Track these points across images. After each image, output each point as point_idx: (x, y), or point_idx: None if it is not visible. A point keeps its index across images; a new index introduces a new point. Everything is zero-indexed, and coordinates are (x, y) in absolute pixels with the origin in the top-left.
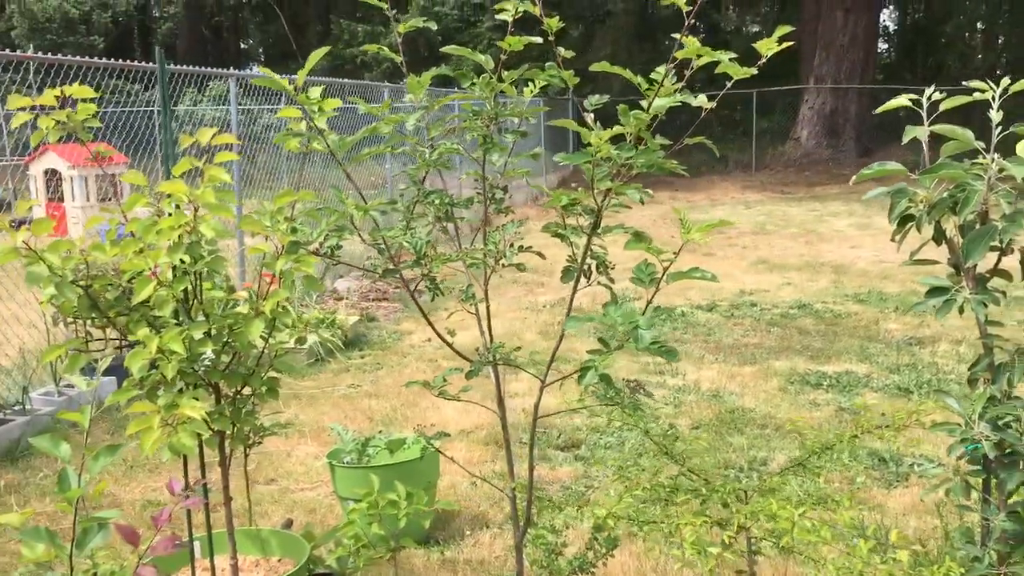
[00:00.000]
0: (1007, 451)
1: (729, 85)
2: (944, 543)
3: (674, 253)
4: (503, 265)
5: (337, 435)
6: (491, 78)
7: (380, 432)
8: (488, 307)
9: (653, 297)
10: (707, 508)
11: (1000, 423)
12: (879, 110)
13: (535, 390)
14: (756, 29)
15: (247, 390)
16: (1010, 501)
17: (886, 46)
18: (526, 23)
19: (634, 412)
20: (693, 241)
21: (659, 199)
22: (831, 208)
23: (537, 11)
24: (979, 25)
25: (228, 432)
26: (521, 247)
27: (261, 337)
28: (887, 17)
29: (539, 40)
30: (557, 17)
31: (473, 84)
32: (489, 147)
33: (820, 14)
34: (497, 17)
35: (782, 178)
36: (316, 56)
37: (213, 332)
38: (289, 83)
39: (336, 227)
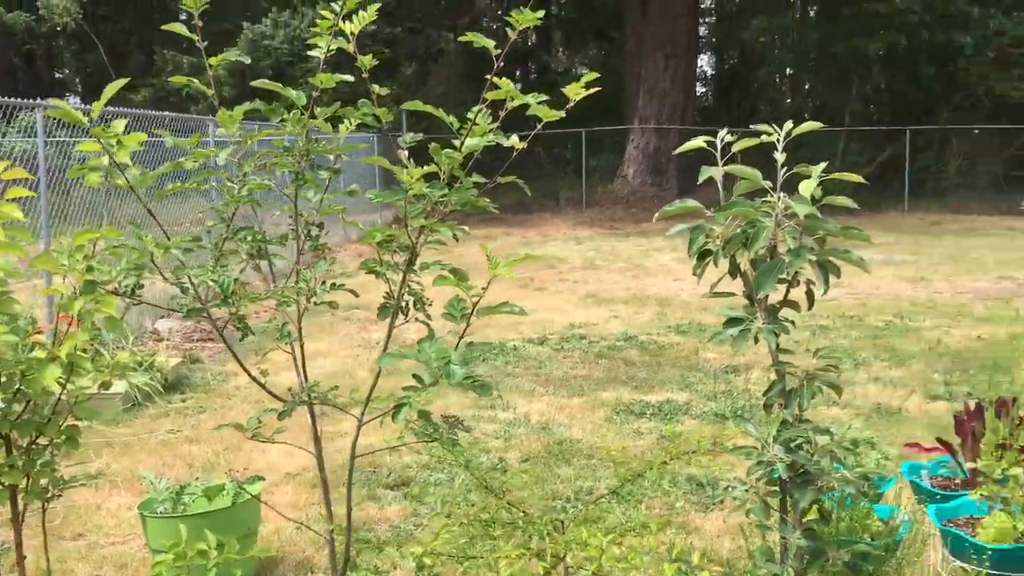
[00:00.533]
0: (799, 471)
1: (539, 127)
2: (748, 562)
3: (483, 288)
4: (314, 303)
5: (150, 484)
6: (302, 115)
7: (198, 479)
8: (302, 346)
9: (464, 332)
10: (530, 541)
11: (792, 445)
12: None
13: (362, 429)
14: (584, 71)
15: (43, 440)
16: (804, 519)
17: (705, 90)
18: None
19: (452, 448)
20: (501, 277)
21: (493, 235)
22: (656, 243)
23: (351, 48)
24: (788, 71)
25: (21, 486)
26: (334, 284)
27: (58, 383)
28: (705, 63)
29: (350, 78)
30: (371, 55)
31: (284, 120)
32: (301, 183)
33: (643, 58)
34: (309, 54)
35: (611, 214)
36: (112, 88)
37: (3, 379)
38: (85, 115)
39: (135, 265)
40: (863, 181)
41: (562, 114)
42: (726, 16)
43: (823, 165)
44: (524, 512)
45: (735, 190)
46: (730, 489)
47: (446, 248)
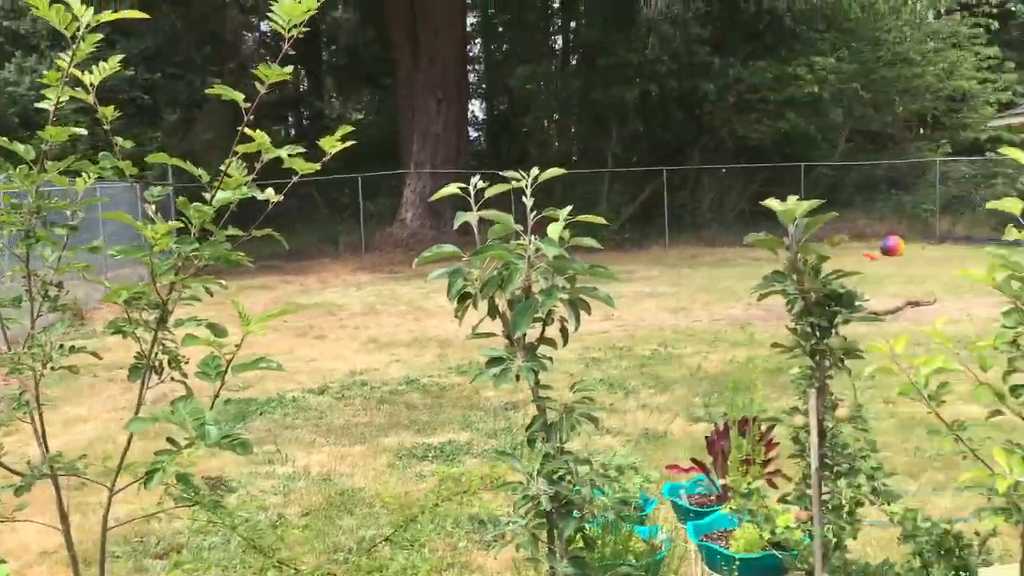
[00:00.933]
0: (563, 502)
1: (295, 179)
2: None
3: (236, 346)
4: (52, 369)
5: None
6: (31, 169)
7: None
8: (41, 415)
9: (220, 390)
10: None
11: (555, 477)
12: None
13: (118, 498)
14: (360, 116)
15: None
16: (571, 548)
17: (478, 134)
18: (139, 111)
19: (215, 510)
20: (253, 333)
21: (271, 284)
22: (436, 285)
23: (90, 100)
24: (555, 116)
25: None
26: (72, 347)
27: None
28: (477, 108)
29: (83, 131)
30: (114, 107)
31: (9, 176)
32: (33, 242)
33: (415, 104)
34: (38, 106)
35: (391, 258)
36: None
37: None
38: None
39: None
40: (605, 222)
41: (318, 166)
42: (493, 64)
43: (568, 208)
44: (295, 569)
45: (489, 234)
46: (509, 525)
47: (217, 301)
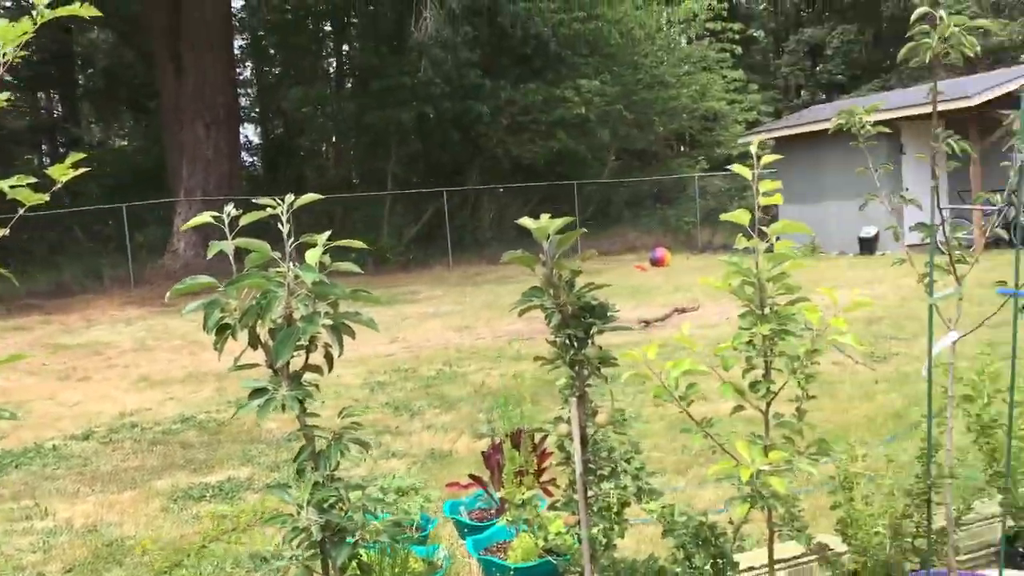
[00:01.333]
0: (335, 530)
1: (22, 211)
2: None
3: None
4: None
5: None
6: None
7: None
8: None
9: None
10: None
11: (326, 505)
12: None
13: None
14: (124, 143)
15: None
16: (347, 575)
17: (253, 159)
18: None
19: None
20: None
21: (28, 325)
22: None
23: None
24: (333, 139)
25: None
26: None
27: None
28: (251, 132)
29: None
30: None
31: None
32: None
33: (182, 129)
34: None
35: (162, 291)
36: None
37: None
38: None
39: None
40: (365, 247)
41: (46, 198)
42: (266, 86)
43: (327, 234)
44: None
45: (247, 262)
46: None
47: None
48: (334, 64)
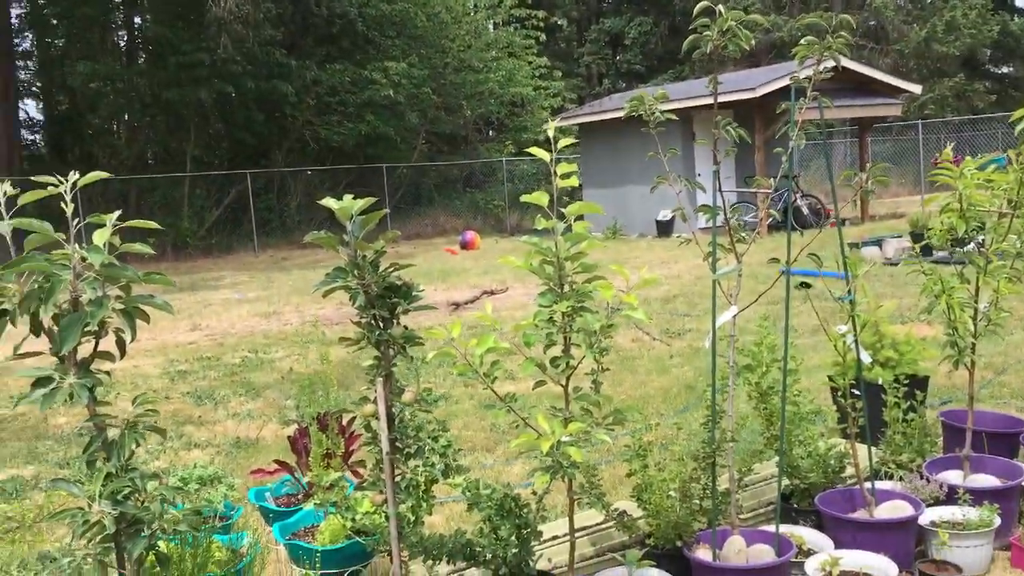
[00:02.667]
0: (131, 522)
1: None
2: None
3: None
4: None
5: None
6: None
7: None
8: None
9: None
10: None
11: (120, 497)
12: None
13: None
14: None
15: None
16: (142, 569)
17: (34, 136)
18: None
19: None
20: None
21: None
22: None
23: None
24: (125, 116)
25: None
26: None
27: None
28: (33, 108)
29: None
30: None
31: None
32: None
33: None
34: None
35: None
36: None
37: None
38: None
39: None
40: (158, 227)
41: None
42: (49, 60)
43: (117, 213)
44: None
45: (26, 244)
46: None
47: None
48: (125, 37)
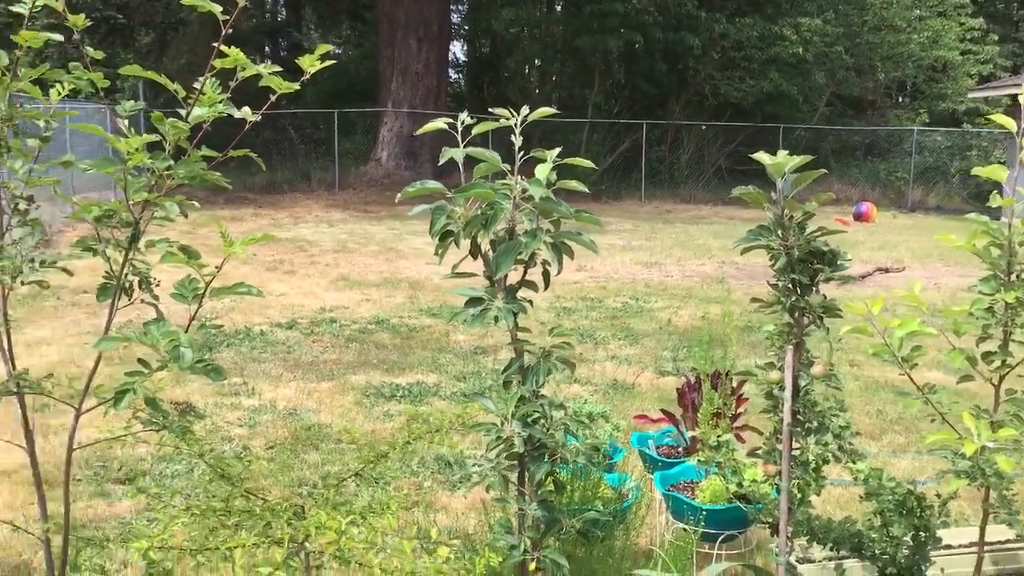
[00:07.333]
0: (536, 445)
1: (273, 99)
2: (488, 535)
3: (216, 267)
4: (22, 283)
5: None
6: (3, 76)
7: None
8: (9, 331)
9: (196, 314)
10: (269, 528)
11: (529, 420)
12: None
13: (84, 422)
14: (339, 50)
15: None
16: (540, 491)
17: (458, 76)
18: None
19: (183, 436)
20: (236, 255)
21: (242, 216)
22: (410, 227)
23: (59, 7)
24: (537, 61)
25: None
26: (43, 262)
27: None
28: (459, 49)
29: (59, 37)
30: (84, 16)
31: None
32: (4, 151)
33: (396, 41)
34: (12, 9)
35: (365, 197)
36: None
37: None
38: None
39: None
40: (594, 167)
41: (296, 86)
42: (478, 5)
43: (558, 150)
44: (263, 499)
45: (475, 173)
46: (476, 467)
47: (186, 231)
48: None
